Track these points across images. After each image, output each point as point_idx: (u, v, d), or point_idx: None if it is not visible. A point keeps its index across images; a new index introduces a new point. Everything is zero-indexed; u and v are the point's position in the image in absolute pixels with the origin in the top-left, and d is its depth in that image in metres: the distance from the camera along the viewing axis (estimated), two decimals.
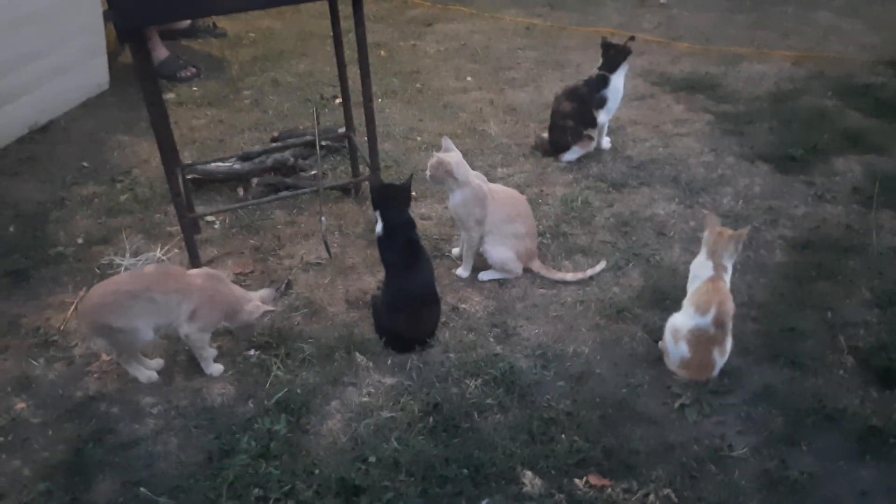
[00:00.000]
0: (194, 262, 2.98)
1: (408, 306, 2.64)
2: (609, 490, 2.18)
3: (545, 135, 4.00)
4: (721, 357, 2.52)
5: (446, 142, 2.95)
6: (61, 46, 4.30)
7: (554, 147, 3.87)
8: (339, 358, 2.65)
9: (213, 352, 2.62)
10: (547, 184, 3.68)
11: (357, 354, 2.66)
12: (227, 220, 3.45)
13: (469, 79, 5.03)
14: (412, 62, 5.32)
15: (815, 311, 2.83)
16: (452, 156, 2.87)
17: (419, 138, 4.22)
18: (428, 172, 2.88)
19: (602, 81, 3.71)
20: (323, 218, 3.13)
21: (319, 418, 2.42)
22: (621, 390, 2.53)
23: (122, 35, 2.45)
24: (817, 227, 3.27)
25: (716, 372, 2.54)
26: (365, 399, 2.50)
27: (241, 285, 2.98)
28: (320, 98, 4.75)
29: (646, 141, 4.04)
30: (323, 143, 3.93)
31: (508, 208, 2.96)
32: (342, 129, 4.03)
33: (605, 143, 3.93)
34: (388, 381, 2.57)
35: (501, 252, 2.97)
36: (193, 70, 5.13)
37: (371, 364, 2.63)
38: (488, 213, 2.93)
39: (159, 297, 2.40)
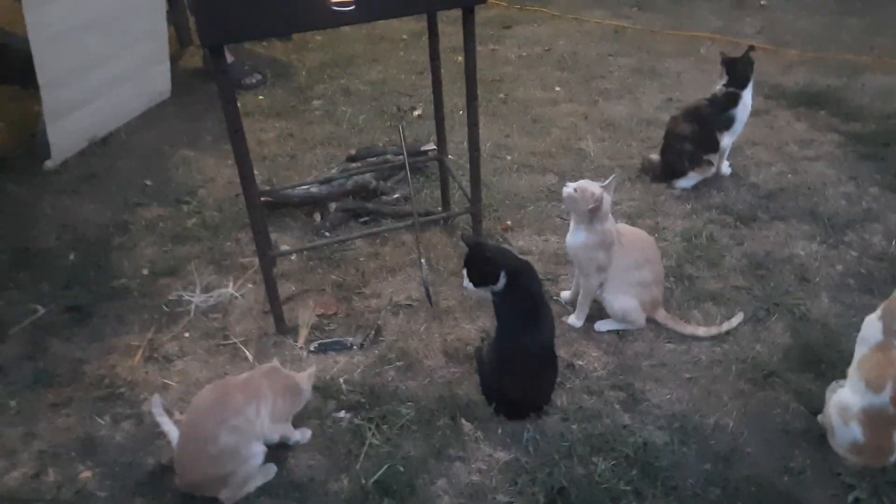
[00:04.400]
0: (274, 304, 2.72)
1: (525, 369, 2.33)
2: None
3: (653, 156, 3.66)
4: None
5: (612, 182, 2.61)
6: (123, 53, 4.12)
7: (667, 172, 3.53)
8: (442, 425, 2.36)
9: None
10: (662, 214, 3.34)
11: (463, 421, 2.36)
12: (304, 251, 3.19)
13: (557, 89, 4.71)
14: (493, 69, 5.02)
15: None
16: (604, 191, 2.55)
17: (508, 157, 3.92)
18: (569, 191, 2.55)
19: (732, 99, 3.36)
20: (423, 261, 2.84)
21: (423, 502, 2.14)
22: (781, 477, 2.18)
23: (209, 53, 2.19)
24: None
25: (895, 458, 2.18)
26: (476, 478, 2.20)
27: (324, 330, 2.75)
28: (397, 110, 4.50)
29: (770, 166, 3.67)
30: (397, 161, 3.67)
31: (637, 253, 2.64)
32: (427, 147, 3.77)
33: (726, 168, 3.58)
34: (501, 455, 2.27)
35: (624, 302, 2.65)
36: (259, 77, 4.93)
37: (480, 434, 2.34)
38: (613, 259, 2.61)
39: (238, 422, 2.11)
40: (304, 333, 2.74)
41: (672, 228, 3.22)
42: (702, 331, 2.66)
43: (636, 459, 2.23)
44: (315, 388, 2.46)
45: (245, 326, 2.82)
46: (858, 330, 2.21)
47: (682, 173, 3.47)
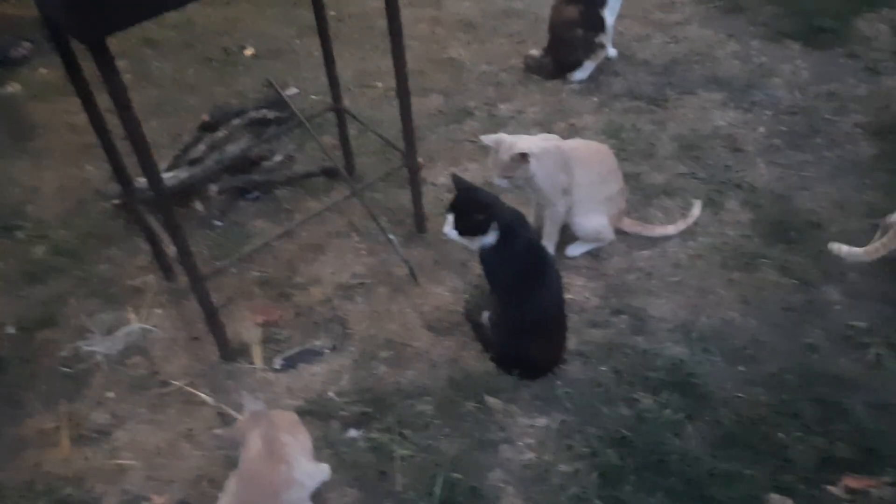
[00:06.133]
0: (214, 328, 2.29)
1: (543, 329, 2.16)
2: (875, 491, 1.92)
3: (534, 52, 3.49)
4: None
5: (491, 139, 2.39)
6: None
7: (561, 66, 3.38)
8: (469, 410, 2.15)
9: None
10: (572, 114, 3.21)
11: (489, 399, 2.17)
12: (204, 251, 2.71)
13: None
14: None
15: None
16: (517, 140, 2.34)
17: (379, 84, 3.57)
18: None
19: None
20: (392, 236, 2.51)
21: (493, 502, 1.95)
22: (806, 356, 2.24)
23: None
24: (887, 107, 3.09)
25: None
26: (529, 456, 2.05)
27: (278, 340, 2.39)
28: (225, 53, 3.91)
29: (649, 38, 3.65)
30: (270, 116, 3.21)
31: (598, 167, 2.50)
32: (290, 91, 3.33)
33: (612, 51, 3.49)
34: (542, 422, 2.13)
35: (595, 220, 2.53)
36: (29, 45, 4.05)
37: (512, 407, 2.16)
38: (575, 178, 2.45)
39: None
40: (258, 352, 2.36)
41: (589, 127, 3.12)
42: (671, 229, 2.63)
43: (673, 383, 2.19)
44: (306, 412, 2.14)
45: (179, 363, 2.37)
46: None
47: (576, 64, 3.35)
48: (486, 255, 2.12)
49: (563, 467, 2.01)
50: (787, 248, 2.55)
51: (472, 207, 2.06)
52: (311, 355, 2.34)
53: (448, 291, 2.52)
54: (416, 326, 2.41)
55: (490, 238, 2.07)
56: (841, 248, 2.41)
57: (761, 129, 3.02)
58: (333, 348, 2.36)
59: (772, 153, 2.90)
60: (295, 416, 1.98)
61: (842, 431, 2.04)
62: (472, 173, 2.96)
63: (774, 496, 1.92)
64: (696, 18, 3.76)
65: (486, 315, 2.33)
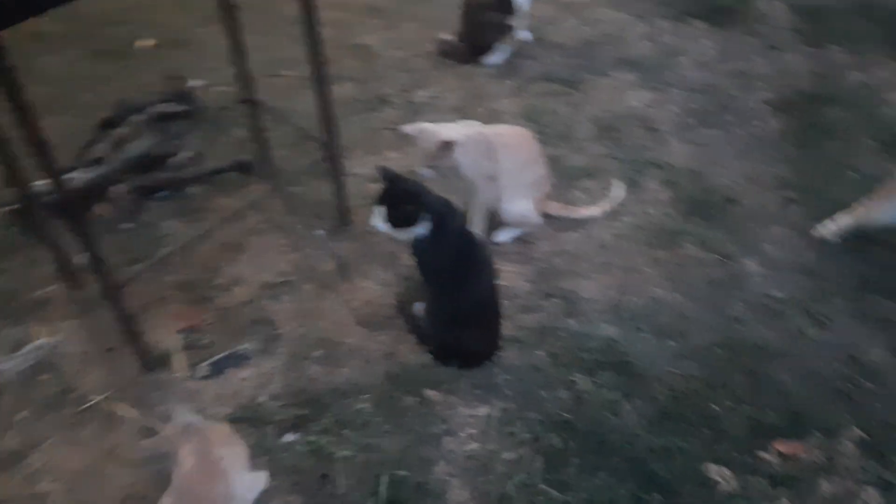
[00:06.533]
0: (133, 337, 2.17)
1: (479, 318, 2.15)
2: (804, 455, 2.00)
3: (446, 36, 3.47)
4: None
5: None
6: None
7: (475, 50, 3.37)
8: (409, 405, 2.12)
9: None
10: (489, 98, 3.21)
11: (428, 392, 2.14)
12: (114, 257, 2.55)
13: None
14: None
15: (839, 169, 2.81)
16: (440, 128, 2.32)
17: (290, 73, 3.46)
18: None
19: None
20: (320, 231, 2.43)
21: (439, 498, 1.93)
22: (732, 328, 2.33)
23: None
24: (789, 83, 3.23)
25: None
26: (472, 447, 2.03)
27: (201, 347, 2.29)
28: (121, 45, 3.71)
29: (561, 21, 3.69)
30: (175, 110, 3.08)
31: (521, 152, 2.51)
32: (196, 83, 3.19)
33: (527, 34, 3.50)
34: (482, 410, 2.12)
35: (521, 205, 2.53)
36: None
37: (451, 398, 2.14)
38: (500, 164, 2.45)
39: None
40: (181, 360, 2.25)
41: (507, 111, 3.13)
42: (596, 210, 2.67)
43: (608, 363, 2.22)
44: (238, 420, 2.06)
45: (95, 377, 2.23)
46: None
47: (490, 48, 3.34)
48: (417, 247, 2.09)
49: (506, 455, 2.01)
50: (706, 224, 2.63)
51: (402, 199, 2.02)
52: (238, 359, 2.25)
53: (378, 285, 2.47)
54: (348, 323, 2.36)
55: (421, 229, 2.04)
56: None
57: (674, 108, 3.11)
58: (263, 351, 2.27)
59: (685, 131, 2.99)
60: (227, 428, 1.90)
61: (769, 399, 2.12)
62: (394, 162, 2.90)
63: (711, 466, 1.98)
64: (606, 1, 3.82)
65: (418, 307, 2.30)
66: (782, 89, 3.19)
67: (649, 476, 1.95)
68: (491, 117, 3.07)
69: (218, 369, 2.23)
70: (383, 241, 2.52)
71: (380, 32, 3.71)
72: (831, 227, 2.53)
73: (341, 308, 2.40)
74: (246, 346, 2.29)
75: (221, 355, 2.26)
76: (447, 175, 2.40)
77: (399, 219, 2.04)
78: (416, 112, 3.14)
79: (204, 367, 2.23)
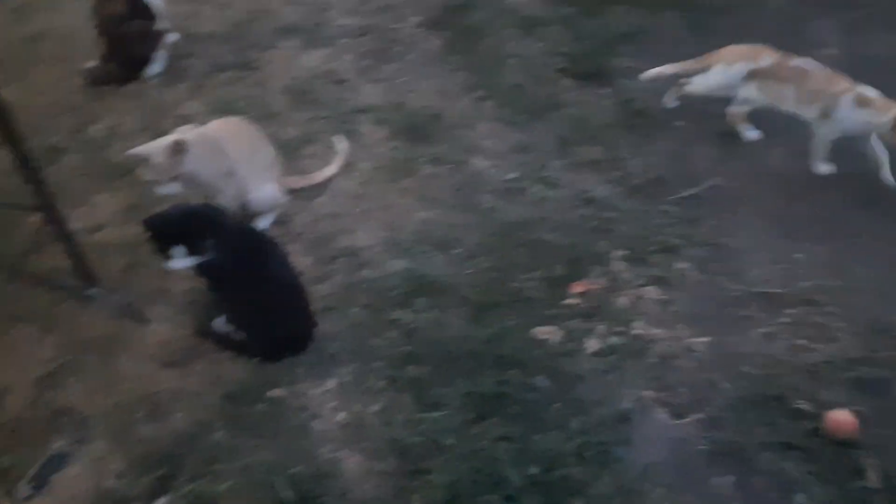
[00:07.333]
0: None
1: (287, 303, 2.18)
2: (594, 287, 2.37)
3: (90, 63, 3.24)
4: None
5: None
6: None
7: (131, 65, 3.19)
8: (260, 412, 2.08)
9: None
10: (170, 108, 3.13)
11: (271, 392, 2.12)
12: None
13: None
14: None
15: (502, 60, 3.22)
16: (163, 139, 2.26)
17: None
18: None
19: None
20: (92, 291, 2.17)
21: (339, 475, 1.96)
22: (489, 216, 2.63)
23: None
24: (430, 3, 3.57)
25: None
26: (342, 416, 2.08)
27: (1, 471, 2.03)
28: None
29: (199, 12, 3.65)
30: None
31: (246, 139, 2.52)
32: None
33: (172, 34, 3.38)
34: (331, 383, 2.16)
35: (268, 190, 2.56)
36: None
37: (295, 388, 2.14)
38: (232, 157, 2.43)
39: None
40: None
41: (199, 112, 3.05)
42: (332, 169, 2.77)
43: (414, 290, 2.38)
44: None
45: None
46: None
47: (146, 59, 3.19)
48: (208, 268, 2.05)
49: (374, 407, 2.09)
50: (429, 143, 2.88)
51: (189, 231, 2.01)
52: (57, 461, 2.01)
53: (164, 322, 2.34)
54: (154, 371, 2.21)
55: (211, 250, 2.01)
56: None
57: (349, 57, 3.30)
58: (79, 440, 2.05)
59: (369, 73, 3.20)
60: None
61: (549, 258, 2.46)
62: (106, 205, 2.73)
63: (537, 329, 2.26)
64: None
65: (219, 322, 2.25)
66: (428, 10, 3.53)
67: (496, 360, 2.16)
68: (185, 124, 2.98)
69: (41, 482, 1.97)
70: (143, 281, 2.39)
71: (8, 86, 3.32)
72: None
73: (138, 361, 2.24)
74: (57, 444, 2.05)
75: (37, 466, 2.00)
76: (188, 186, 2.33)
77: (194, 249, 2.01)
78: (100, 148, 2.94)
79: (23, 488, 1.96)
